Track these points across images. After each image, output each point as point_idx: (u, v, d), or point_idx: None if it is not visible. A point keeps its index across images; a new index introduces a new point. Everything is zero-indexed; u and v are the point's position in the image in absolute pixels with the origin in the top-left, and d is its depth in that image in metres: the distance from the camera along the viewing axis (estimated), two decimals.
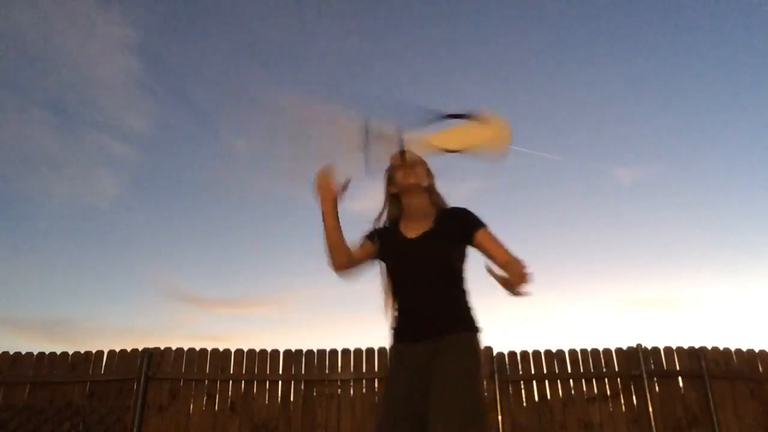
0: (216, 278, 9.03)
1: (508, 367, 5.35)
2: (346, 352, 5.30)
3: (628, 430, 5.21)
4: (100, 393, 5.00)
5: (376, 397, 5.10)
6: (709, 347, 5.65)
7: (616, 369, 5.45)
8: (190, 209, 9.16)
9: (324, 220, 1.90)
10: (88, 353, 5.19)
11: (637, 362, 5.43)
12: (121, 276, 8.86)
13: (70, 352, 5.19)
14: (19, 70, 7.99)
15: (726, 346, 5.71)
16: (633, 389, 5.36)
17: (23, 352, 5.19)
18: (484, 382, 5.15)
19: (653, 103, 8.88)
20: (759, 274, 8.58)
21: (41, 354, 5.19)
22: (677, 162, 9.03)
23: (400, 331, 1.86)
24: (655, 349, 5.57)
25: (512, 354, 5.43)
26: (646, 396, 5.29)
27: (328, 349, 5.31)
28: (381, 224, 2.04)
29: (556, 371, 5.40)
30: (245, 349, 5.27)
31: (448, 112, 1.82)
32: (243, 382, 5.15)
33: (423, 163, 1.98)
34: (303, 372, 5.20)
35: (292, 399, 5.11)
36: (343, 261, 1.92)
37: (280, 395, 5.13)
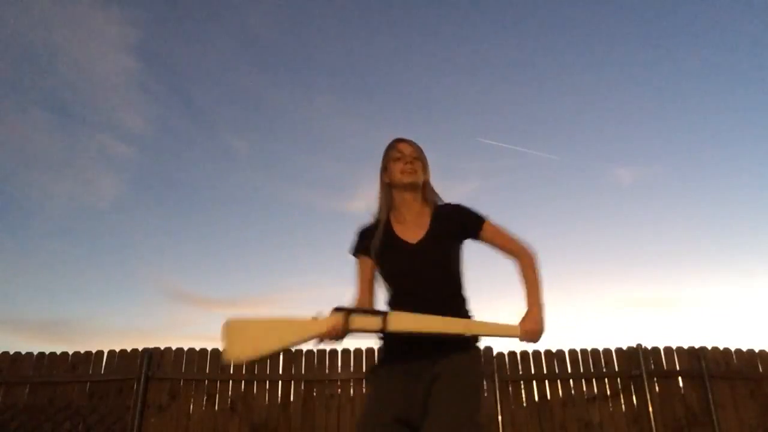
0: (216, 278, 9.03)
1: (508, 367, 5.35)
2: (346, 352, 5.30)
3: (628, 430, 5.21)
4: (100, 393, 5.00)
5: None
6: (709, 347, 5.65)
7: (616, 369, 5.45)
8: (190, 209, 9.16)
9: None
10: (88, 353, 5.19)
11: (637, 362, 5.43)
12: (121, 276, 8.87)
13: (70, 352, 5.19)
14: (19, 70, 7.99)
15: (726, 346, 5.71)
16: (633, 389, 5.36)
17: (23, 352, 5.19)
18: (485, 383, 5.16)
19: (653, 103, 8.88)
20: (759, 274, 8.58)
21: (41, 354, 5.19)
22: (677, 162, 9.04)
23: (393, 348, 1.69)
24: (655, 349, 5.57)
25: (512, 354, 5.43)
26: (646, 396, 5.29)
27: (328, 349, 5.31)
28: (369, 221, 1.88)
29: (556, 371, 5.40)
30: None
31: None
32: (243, 382, 5.15)
33: (422, 156, 1.86)
34: (303, 372, 5.20)
35: (291, 399, 5.11)
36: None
37: (279, 395, 5.13)
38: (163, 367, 5.13)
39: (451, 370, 1.59)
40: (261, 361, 1.62)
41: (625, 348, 5.56)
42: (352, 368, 5.22)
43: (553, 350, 5.49)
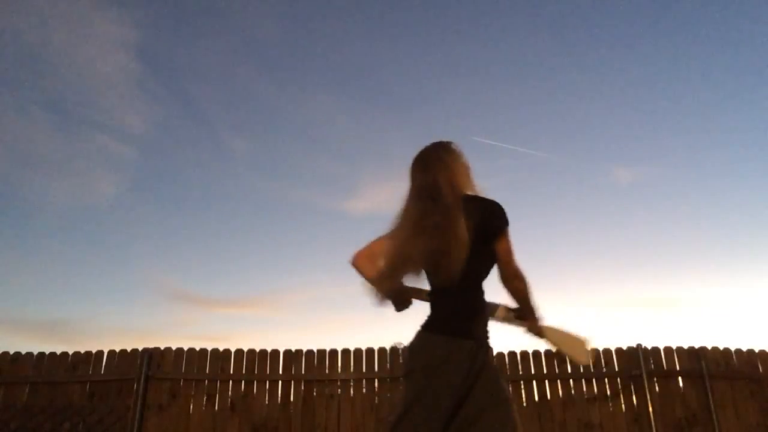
0: (216, 278, 9.04)
1: (508, 367, 5.35)
2: (346, 352, 5.30)
3: (628, 430, 5.21)
4: (100, 393, 5.00)
5: (376, 398, 5.10)
6: (709, 347, 5.65)
7: (616, 369, 5.45)
8: (190, 209, 9.16)
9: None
10: (88, 353, 5.19)
11: (637, 362, 5.43)
12: (121, 276, 8.87)
13: (70, 352, 5.19)
14: (19, 70, 7.99)
15: (726, 346, 5.71)
16: (633, 389, 5.36)
17: (23, 352, 5.19)
18: None
19: (652, 103, 8.88)
20: (759, 274, 8.58)
21: (41, 354, 5.19)
22: (676, 162, 9.04)
23: (446, 323, 1.73)
24: (655, 349, 5.57)
25: (512, 354, 5.43)
26: (646, 396, 5.29)
27: (328, 349, 5.31)
28: None
29: (556, 371, 5.40)
30: (245, 349, 5.27)
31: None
32: (243, 382, 5.15)
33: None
34: (303, 372, 5.20)
35: (292, 399, 5.11)
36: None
37: (279, 395, 5.13)
38: (163, 367, 5.13)
39: (492, 360, 1.79)
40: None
41: (625, 348, 5.56)
42: (352, 368, 5.22)
43: (554, 350, 5.48)
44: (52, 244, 8.66)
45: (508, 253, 1.76)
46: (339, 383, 5.18)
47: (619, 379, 5.39)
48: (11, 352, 5.17)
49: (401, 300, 1.83)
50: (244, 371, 5.18)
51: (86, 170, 8.87)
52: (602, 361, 5.50)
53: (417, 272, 1.80)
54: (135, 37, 8.16)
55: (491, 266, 1.80)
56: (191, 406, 5.03)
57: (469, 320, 1.73)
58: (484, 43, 8.76)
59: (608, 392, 5.34)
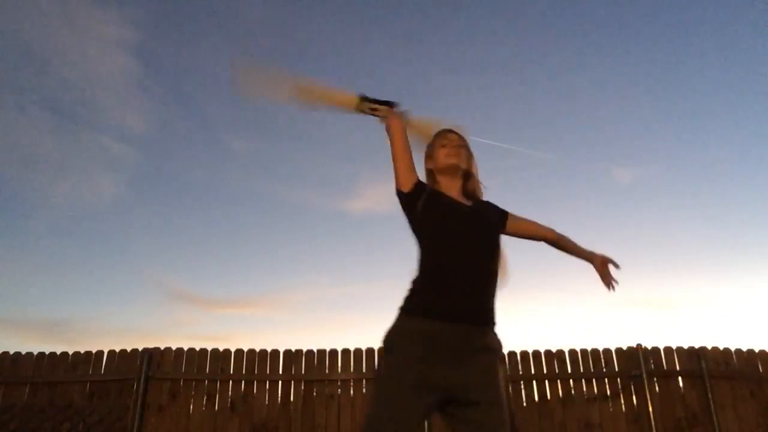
0: (216, 278, 9.04)
1: (508, 366, 5.35)
2: (346, 352, 5.30)
3: (628, 430, 5.21)
4: (100, 393, 5.00)
5: None
6: (709, 347, 5.65)
7: (616, 369, 5.45)
8: (190, 209, 9.16)
9: (398, 135, 1.84)
10: (88, 353, 5.19)
11: (637, 362, 5.43)
12: (121, 276, 8.87)
13: (70, 352, 5.19)
14: (18, 70, 7.99)
15: (726, 346, 5.71)
16: (633, 389, 5.36)
17: (23, 352, 5.18)
18: None
19: (652, 102, 8.88)
20: (759, 274, 8.58)
21: (41, 354, 5.18)
22: (676, 161, 9.03)
23: (439, 307, 1.58)
24: (655, 349, 5.57)
25: (512, 354, 5.43)
26: (646, 396, 5.29)
27: (328, 349, 5.31)
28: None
29: (556, 371, 5.40)
30: (245, 349, 5.27)
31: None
32: (243, 382, 5.14)
33: (468, 147, 1.92)
34: (303, 372, 5.19)
35: (292, 399, 5.11)
36: (413, 174, 1.83)
37: (280, 395, 5.12)
38: (163, 367, 5.13)
39: (499, 348, 1.64)
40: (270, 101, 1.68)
41: (625, 348, 5.56)
42: (352, 368, 5.22)
43: (553, 350, 5.49)
44: (52, 244, 8.66)
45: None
46: (339, 383, 5.18)
47: (619, 379, 5.39)
48: (11, 352, 5.17)
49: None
50: (244, 371, 5.18)
51: (86, 170, 8.87)
52: (602, 361, 5.50)
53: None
54: (135, 37, 8.16)
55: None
56: (191, 406, 5.03)
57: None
58: (484, 42, 8.76)
59: (608, 392, 5.34)
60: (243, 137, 9.19)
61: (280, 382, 5.17)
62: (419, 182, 1.81)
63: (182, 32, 8.48)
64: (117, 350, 5.21)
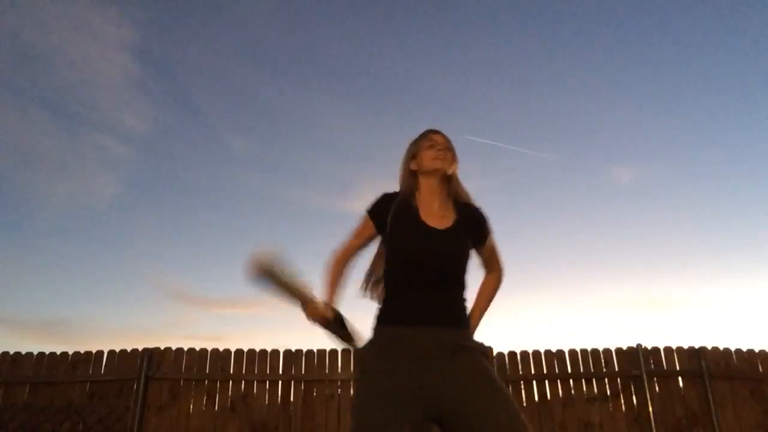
0: (216, 278, 9.03)
1: (507, 367, 5.35)
2: (346, 352, 5.30)
3: (628, 430, 5.21)
4: (100, 393, 5.00)
5: None
6: (709, 347, 5.65)
7: (616, 369, 5.45)
8: (190, 209, 9.16)
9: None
10: (88, 353, 5.19)
11: (637, 362, 5.43)
12: (121, 276, 8.87)
13: (70, 352, 5.19)
14: (18, 70, 7.99)
15: (726, 346, 5.71)
16: (633, 389, 5.36)
17: (23, 352, 5.19)
18: None
19: (651, 102, 8.88)
20: (759, 274, 8.58)
21: (41, 354, 5.19)
22: (676, 161, 9.04)
23: (402, 312, 1.63)
24: (655, 349, 5.57)
25: (512, 354, 5.43)
26: (646, 396, 5.29)
27: (328, 349, 5.31)
28: (392, 198, 1.80)
29: (556, 371, 5.40)
30: (245, 349, 5.27)
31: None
32: (243, 382, 5.15)
33: (453, 149, 1.84)
34: (303, 372, 5.20)
35: (291, 399, 5.11)
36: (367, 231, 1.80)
37: (279, 395, 5.13)
38: (163, 367, 5.13)
39: (478, 345, 1.64)
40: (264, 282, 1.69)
41: (625, 348, 5.56)
42: (352, 368, 5.22)
43: (553, 350, 5.49)
44: (52, 244, 8.66)
45: None
46: (339, 383, 5.18)
47: (619, 379, 5.39)
48: (11, 352, 5.18)
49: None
50: (244, 371, 5.18)
51: (86, 170, 8.87)
52: (602, 361, 5.50)
53: None
54: (135, 37, 8.16)
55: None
56: (191, 407, 5.03)
57: None
58: (483, 42, 8.76)
59: (608, 392, 5.35)
60: (243, 137, 9.19)
61: (280, 382, 5.17)
62: (376, 222, 1.78)
63: (182, 32, 8.48)
64: (117, 350, 5.21)
